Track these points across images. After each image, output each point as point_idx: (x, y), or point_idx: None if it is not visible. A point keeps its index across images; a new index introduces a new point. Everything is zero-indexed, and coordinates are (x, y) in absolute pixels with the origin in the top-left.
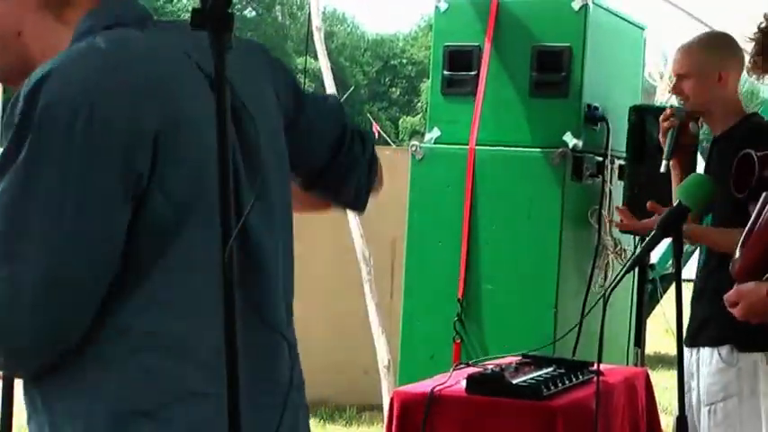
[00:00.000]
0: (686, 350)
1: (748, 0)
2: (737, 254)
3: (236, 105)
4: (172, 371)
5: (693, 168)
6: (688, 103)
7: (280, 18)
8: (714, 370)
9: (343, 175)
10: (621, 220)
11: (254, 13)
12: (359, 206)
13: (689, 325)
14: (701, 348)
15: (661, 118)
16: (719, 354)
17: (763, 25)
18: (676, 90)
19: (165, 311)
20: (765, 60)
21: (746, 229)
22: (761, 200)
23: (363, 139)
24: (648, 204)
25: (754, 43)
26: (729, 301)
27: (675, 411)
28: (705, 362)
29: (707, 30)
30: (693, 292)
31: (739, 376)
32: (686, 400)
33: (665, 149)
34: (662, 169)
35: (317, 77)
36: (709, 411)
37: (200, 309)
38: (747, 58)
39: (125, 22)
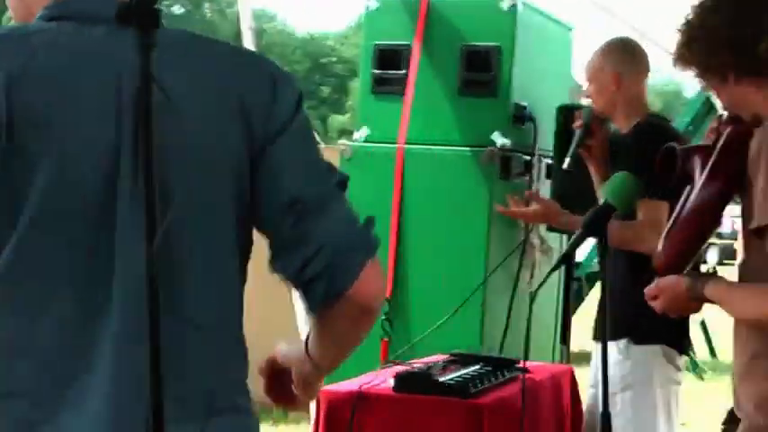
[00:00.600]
0: (595, 344)
1: (679, 2)
2: (659, 248)
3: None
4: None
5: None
6: (594, 106)
7: (209, 15)
8: (612, 362)
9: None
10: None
11: (182, 9)
12: (309, 304)
13: (596, 319)
14: (607, 342)
15: (574, 118)
16: (617, 347)
17: (690, 17)
18: (585, 94)
19: None
20: (690, 52)
21: (669, 223)
22: (683, 195)
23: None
24: (527, 192)
25: (680, 36)
26: (649, 294)
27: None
28: (609, 355)
29: (635, 32)
30: (601, 288)
31: (634, 368)
32: (593, 393)
33: (571, 148)
34: (564, 166)
35: None
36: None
37: (36, 308)
38: (674, 50)
39: (71, 17)
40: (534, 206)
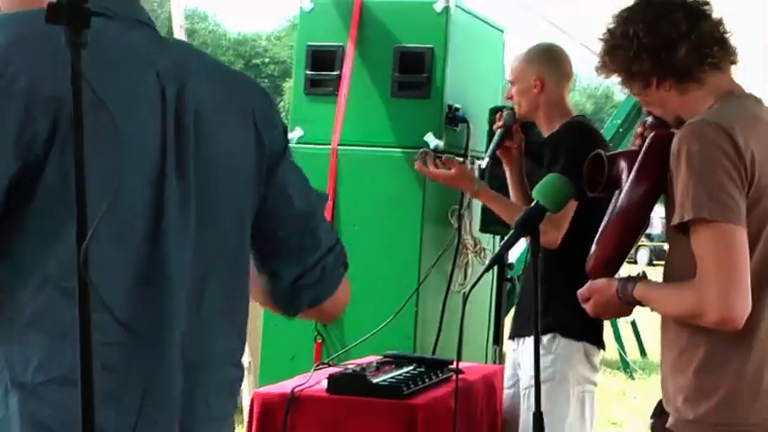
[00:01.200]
0: (513, 342)
1: (607, 8)
2: (592, 250)
3: (182, 113)
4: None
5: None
6: (517, 108)
7: None
8: (532, 356)
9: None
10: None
11: None
12: (291, 309)
13: (515, 318)
14: (527, 338)
15: (496, 119)
16: (542, 341)
17: (611, 25)
18: (507, 95)
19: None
20: (613, 60)
21: (601, 227)
22: (613, 198)
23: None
24: (443, 158)
25: (602, 44)
26: (582, 296)
27: (522, 406)
28: (528, 351)
29: (565, 35)
30: (521, 287)
31: (554, 362)
32: (511, 394)
33: (489, 148)
34: (482, 165)
35: None
36: (524, 395)
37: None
38: (597, 58)
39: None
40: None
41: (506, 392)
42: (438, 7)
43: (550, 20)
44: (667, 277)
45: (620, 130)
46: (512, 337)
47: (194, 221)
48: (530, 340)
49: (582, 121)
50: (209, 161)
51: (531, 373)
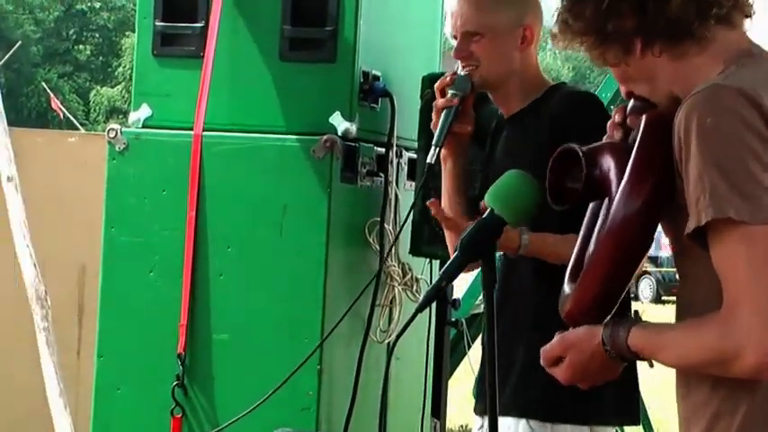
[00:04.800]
0: (478, 419)
1: None
2: (567, 289)
3: None
4: None
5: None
6: (476, 72)
7: None
8: None
9: None
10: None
11: None
12: None
13: (479, 383)
14: (503, 417)
15: (436, 86)
16: (519, 428)
17: None
18: (461, 54)
19: None
20: (576, 16)
21: (574, 254)
22: (587, 215)
23: None
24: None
25: None
26: (550, 356)
27: None
28: None
29: None
30: (486, 333)
31: None
32: None
33: (437, 133)
34: (429, 159)
35: None
36: None
37: None
38: (556, 17)
39: None
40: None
41: None
42: None
43: None
44: (683, 313)
45: (612, 106)
46: (477, 411)
47: None
48: (508, 421)
49: (590, 92)
50: None
51: None
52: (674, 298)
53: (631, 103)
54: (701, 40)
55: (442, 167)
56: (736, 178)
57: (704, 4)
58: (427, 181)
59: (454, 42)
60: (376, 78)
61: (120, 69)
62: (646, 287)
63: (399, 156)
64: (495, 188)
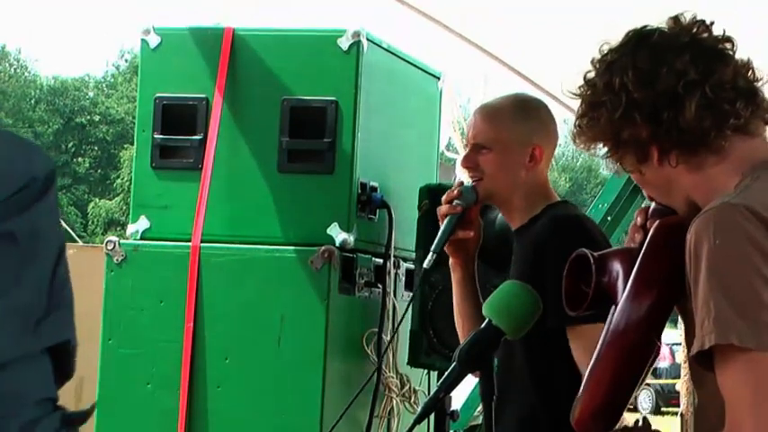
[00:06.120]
0: None
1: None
2: (580, 393)
3: None
4: None
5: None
6: (481, 184)
7: None
8: None
9: None
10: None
11: None
12: None
13: None
14: None
15: (443, 198)
16: None
17: (590, 74)
18: (468, 164)
19: None
20: (592, 123)
21: (593, 357)
22: (608, 320)
23: None
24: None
25: (579, 101)
26: None
27: None
28: None
29: (524, 82)
30: None
31: None
32: None
33: (437, 238)
34: (425, 264)
35: None
36: None
37: None
38: (572, 121)
39: None
40: None
41: None
42: (344, 44)
43: (514, 66)
44: (698, 415)
45: (609, 217)
46: None
47: None
48: None
49: (576, 214)
50: None
51: None
52: (673, 409)
53: (653, 205)
54: (719, 151)
55: (452, 277)
56: (741, 303)
57: (721, 114)
58: (423, 286)
59: (450, 155)
60: (374, 189)
61: (119, 181)
62: (645, 398)
63: (397, 266)
64: (492, 299)
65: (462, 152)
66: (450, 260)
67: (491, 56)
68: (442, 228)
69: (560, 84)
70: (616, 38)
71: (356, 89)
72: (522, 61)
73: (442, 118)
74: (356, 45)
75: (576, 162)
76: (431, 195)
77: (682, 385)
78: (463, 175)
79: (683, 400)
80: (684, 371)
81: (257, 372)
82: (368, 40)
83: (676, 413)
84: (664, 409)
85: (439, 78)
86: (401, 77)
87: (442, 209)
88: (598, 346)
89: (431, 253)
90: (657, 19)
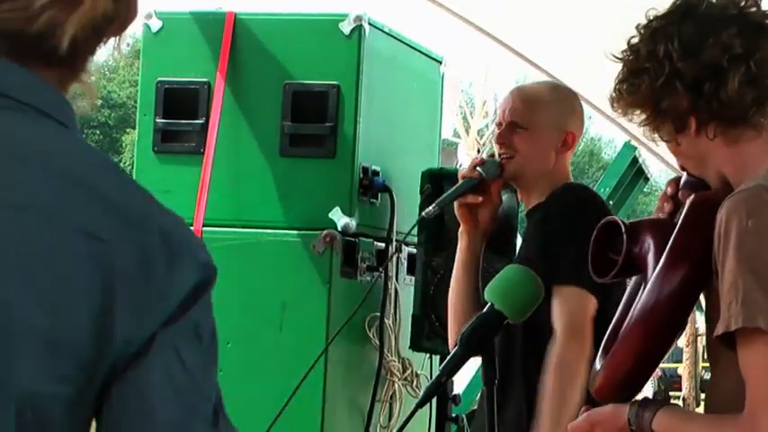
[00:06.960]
0: None
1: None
2: (598, 364)
3: None
4: None
5: (508, 254)
6: (511, 162)
7: None
8: None
9: None
10: None
11: None
12: None
13: None
14: None
15: (468, 165)
16: None
17: (634, 40)
18: (503, 140)
19: None
20: (632, 89)
21: (611, 327)
22: (629, 288)
23: None
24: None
25: (621, 65)
26: (577, 431)
27: None
28: None
29: (527, 65)
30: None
31: None
32: None
33: (445, 194)
34: (424, 213)
35: None
36: None
37: None
38: (614, 86)
39: None
40: None
41: None
42: (346, 28)
43: (518, 49)
44: (711, 410)
45: (612, 201)
46: None
47: None
48: None
49: (585, 186)
50: None
51: None
52: (676, 393)
53: (684, 176)
54: (757, 126)
55: (458, 245)
56: None
57: (763, 90)
58: (427, 277)
59: (451, 138)
60: (375, 174)
61: (121, 165)
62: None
63: (399, 251)
64: (494, 283)
65: (464, 136)
66: (461, 227)
67: (494, 38)
68: (455, 187)
69: (565, 68)
70: (663, 6)
71: (358, 73)
72: (525, 45)
73: (444, 102)
74: (358, 29)
75: (577, 146)
76: (432, 180)
77: (684, 369)
78: (465, 160)
79: (684, 384)
80: (686, 355)
81: (259, 355)
82: (370, 24)
83: (678, 397)
84: (667, 394)
85: (441, 63)
86: (403, 62)
87: (463, 170)
88: (628, 319)
89: (435, 205)
90: (663, 4)
